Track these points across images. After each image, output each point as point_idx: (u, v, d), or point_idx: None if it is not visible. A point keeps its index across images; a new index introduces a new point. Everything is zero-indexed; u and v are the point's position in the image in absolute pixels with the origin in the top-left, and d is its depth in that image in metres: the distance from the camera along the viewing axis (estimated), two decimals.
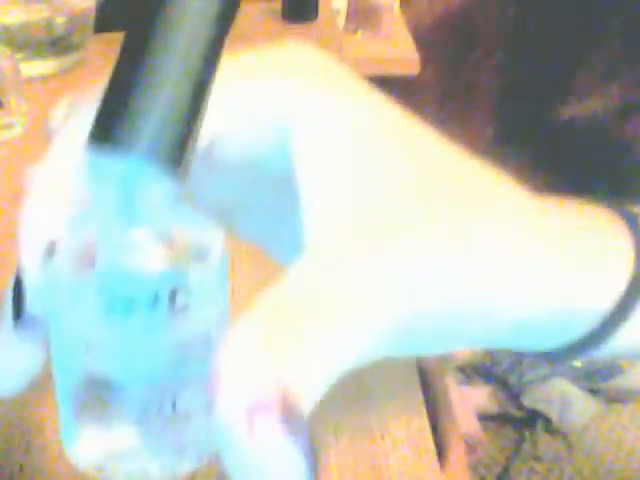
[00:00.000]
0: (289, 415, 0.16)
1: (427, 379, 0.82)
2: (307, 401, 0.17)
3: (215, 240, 0.20)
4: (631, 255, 0.23)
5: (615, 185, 1.21)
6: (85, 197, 0.20)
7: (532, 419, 1.21)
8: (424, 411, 0.36)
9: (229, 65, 0.20)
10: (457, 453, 0.75)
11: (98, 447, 0.23)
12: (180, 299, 0.19)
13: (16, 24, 0.67)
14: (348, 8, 1.35)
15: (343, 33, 1.30)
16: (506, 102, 1.63)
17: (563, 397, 1.20)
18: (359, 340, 0.19)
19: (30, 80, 0.67)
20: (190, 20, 0.18)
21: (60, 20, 0.69)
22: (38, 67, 0.69)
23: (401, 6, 1.45)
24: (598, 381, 1.23)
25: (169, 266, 0.19)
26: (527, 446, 1.19)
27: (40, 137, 0.64)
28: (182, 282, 0.19)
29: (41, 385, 0.37)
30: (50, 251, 0.20)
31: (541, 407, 1.20)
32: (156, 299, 0.18)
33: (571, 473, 1.15)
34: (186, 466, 0.23)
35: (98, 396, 0.21)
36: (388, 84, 0.42)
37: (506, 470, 1.15)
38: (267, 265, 0.45)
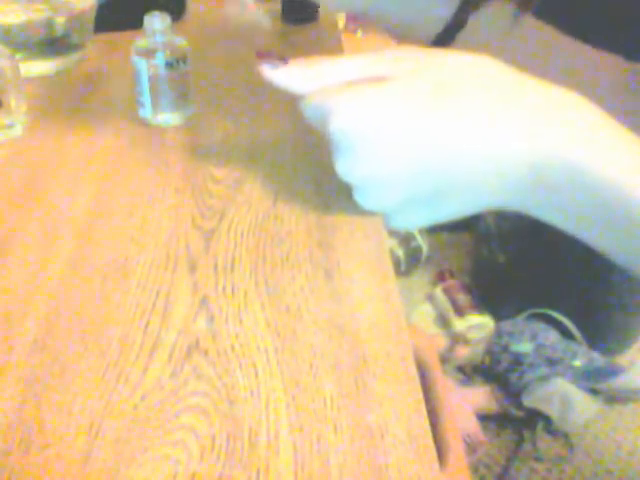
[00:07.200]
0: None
1: (427, 379, 0.82)
2: None
3: (186, 52, 0.59)
4: None
5: None
6: None
7: (532, 419, 1.21)
8: (424, 411, 0.36)
9: None
10: (457, 453, 0.75)
11: None
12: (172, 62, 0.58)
13: (16, 24, 0.67)
14: None
15: (343, 33, 1.29)
16: None
17: (563, 397, 1.19)
18: None
19: (30, 80, 0.67)
20: None
21: (60, 20, 0.69)
22: (38, 67, 0.69)
23: None
24: (598, 381, 1.23)
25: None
26: (527, 446, 1.19)
27: (40, 137, 0.64)
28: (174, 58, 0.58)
29: (41, 385, 0.38)
30: None
31: (541, 407, 1.20)
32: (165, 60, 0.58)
33: (571, 473, 1.15)
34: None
35: None
36: None
37: (506, 470, 1.15)
38: (267, 265, 0.45)
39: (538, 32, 0.53)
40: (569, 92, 0.38)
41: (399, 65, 0.40)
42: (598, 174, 0.36)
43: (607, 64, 0.52)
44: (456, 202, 0.40)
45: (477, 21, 0.52)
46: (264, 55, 0.43)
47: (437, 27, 0.53)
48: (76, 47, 0.72)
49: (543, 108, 0.38)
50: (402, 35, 0.53)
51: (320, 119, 0.41)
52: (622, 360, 1.32)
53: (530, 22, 0.53)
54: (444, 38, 0.52)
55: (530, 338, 1.28)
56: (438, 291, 1.48)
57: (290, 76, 0.42)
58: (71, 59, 0.71)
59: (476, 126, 0.38)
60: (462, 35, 0.52)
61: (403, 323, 0.41)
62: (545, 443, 1.19)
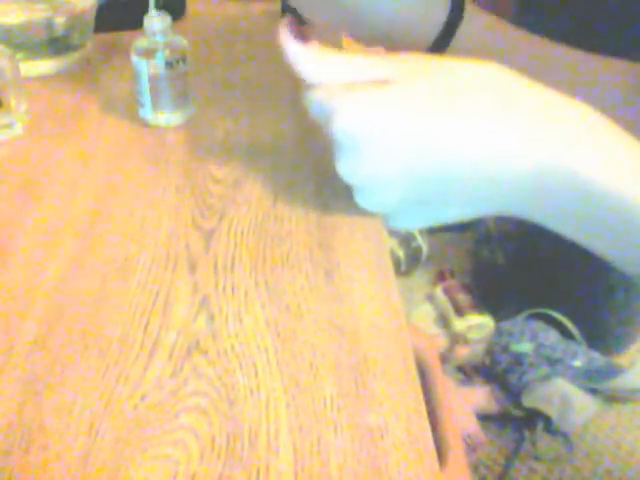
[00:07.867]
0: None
1: (427, 379, 0.82)
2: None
3: (186, 52, 0.59)
4: None
5: None
6: None
7: (532, 419, 1.21)
8: (424, 411, 0.36)
9: None
10: (457, 453, 0.75)
11: None
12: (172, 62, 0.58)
13: (16, 24, 0.67)
14: None
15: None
16: None
17: (563, 397, 1.19)
18: None
19: (30, 80, 0.67)
20: None
21: (60, 20, 0.69)
22: (38, 67, 0.69)
23: None
24: (598, 381, 1.23)
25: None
26: (527, 446, 1.19)
27: (40, 137, 0.64)
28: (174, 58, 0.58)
29: (41, 385, 0.38)
30: None
31: (541, 407, 1.20)
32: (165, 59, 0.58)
33: (571, 473, 1.15)
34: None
35: None
36: None
37: (506, 470, 1.15)
38: (267, 265, 0.45)
39: (534, 44, 0.52)
40: (570, 98, 0.38)
41: (403, 68, 0.40)
42: (599, 180, 0.36)
43: (610, 68, 0.51)
44: (457, 205, 0.40)
45: (470, 34, 0.51)
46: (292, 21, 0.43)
47: (431, 35, 0.52)
48: (76, 47, 0.71)
49: (543, 113, 0.38)
50: (395, 42, 0.52)
51: (323, 117, 0.41)
52: (622, 360, 1.32)
53: (525, 36, 0.53)
54: (439, 45, 0.52)
55: (530, 338, 1.28)
56: (438, 291, 1.48)
57: (304, 55, 0.42)
58: (71, 59, 0.71)
59: (476, 130, 0.38)
60: (456, 45, 0.52)
61: (403, 323, 0.41)
62: (545, 443, 1.19)
